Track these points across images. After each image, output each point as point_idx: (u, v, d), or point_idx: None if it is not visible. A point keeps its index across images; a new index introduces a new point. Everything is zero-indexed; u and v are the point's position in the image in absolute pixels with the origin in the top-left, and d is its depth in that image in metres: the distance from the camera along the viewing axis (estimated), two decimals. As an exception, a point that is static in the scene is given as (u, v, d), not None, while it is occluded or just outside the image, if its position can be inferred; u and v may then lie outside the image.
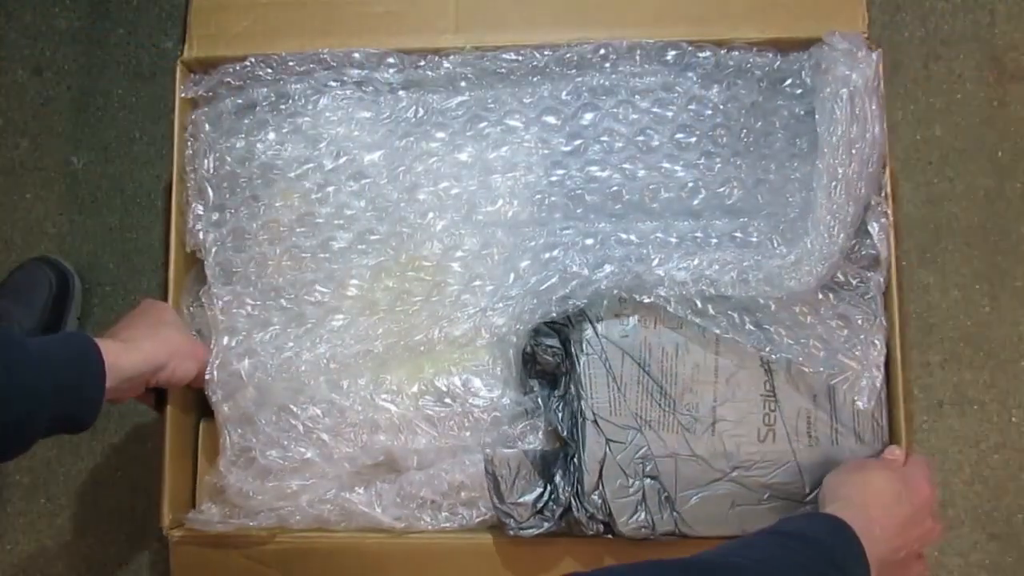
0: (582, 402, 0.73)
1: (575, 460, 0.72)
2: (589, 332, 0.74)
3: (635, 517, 0.71)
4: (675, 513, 0.71)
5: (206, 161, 0.82)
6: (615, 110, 0.80)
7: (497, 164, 0.81)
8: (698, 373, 0.74)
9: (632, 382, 0.73)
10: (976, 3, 1.02)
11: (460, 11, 0.81)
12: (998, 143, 0.99)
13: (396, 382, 0.77)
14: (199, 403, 0.82)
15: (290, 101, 0.82)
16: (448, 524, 0.76)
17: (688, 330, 0.74)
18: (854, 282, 0.75)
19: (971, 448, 0.96)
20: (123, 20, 1.07)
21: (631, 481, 0.71)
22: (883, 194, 0.75)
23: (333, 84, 0.82)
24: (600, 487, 0.71)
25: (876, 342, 0.73)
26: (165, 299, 0.80)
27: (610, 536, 0.71)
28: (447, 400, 0.76)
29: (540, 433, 0.76)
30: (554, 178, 0.80)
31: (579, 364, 0.74)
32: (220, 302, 0.80)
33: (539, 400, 0.76)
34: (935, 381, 0.96)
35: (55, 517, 1.01)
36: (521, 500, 0.72)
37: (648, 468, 0.72)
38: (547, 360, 0.75)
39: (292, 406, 0.76)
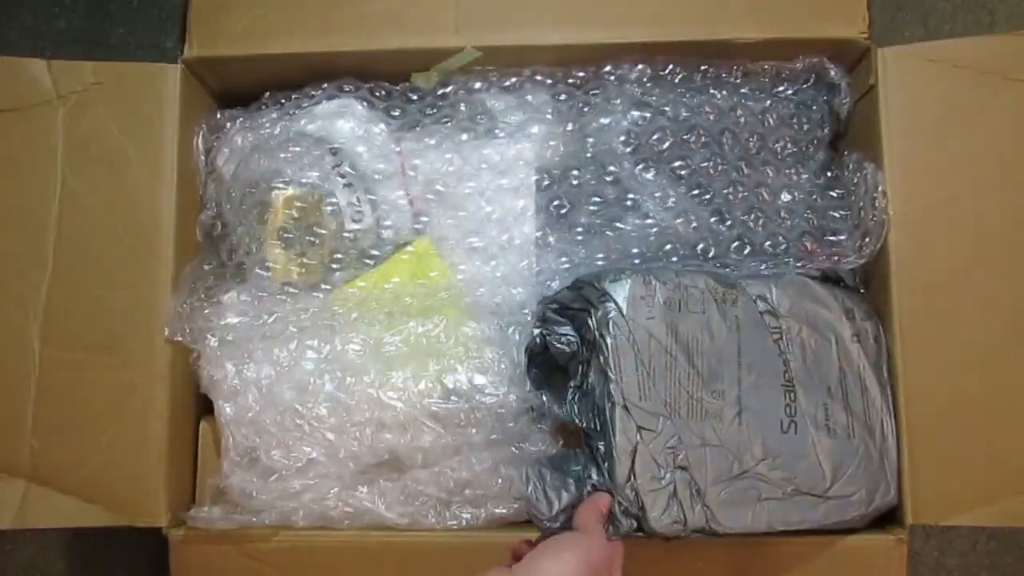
0: (611, 385, 0.67)
1: (603, 448, 0.67)
2: (614, 313, 0.68)
3: (668, 511, 0.66)
4: (705, 507, 0.66)
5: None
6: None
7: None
8: (723, 361, 0.70)
9: (660, 367, 0.68)
10: (976, 3, 1.02)
11: (460, 10, 0.81)
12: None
13: (402, 379, 0.76)
14: (199, 402, 0.82)
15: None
16: (454, 523, 0.75)
17: (712, 314, 0.70)
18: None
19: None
20: (123, 20, 1.07)
21: (663, 472, 0.66)
22: (879, 189, 0.76)
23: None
24: (632, 478, 0.65)
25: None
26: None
27: (640, 534, 0.66)
28: (453, 397, 0.76)
29: (547, 430, 0.76)
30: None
31: (607, 346, 0.67)
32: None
33: (543, 397, 0.74)
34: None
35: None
36: (562, 506, 0.66)
37: (679, 458, 0.67)
38: (561, 350, 0.70)
39: (297, 405, 0.76)
